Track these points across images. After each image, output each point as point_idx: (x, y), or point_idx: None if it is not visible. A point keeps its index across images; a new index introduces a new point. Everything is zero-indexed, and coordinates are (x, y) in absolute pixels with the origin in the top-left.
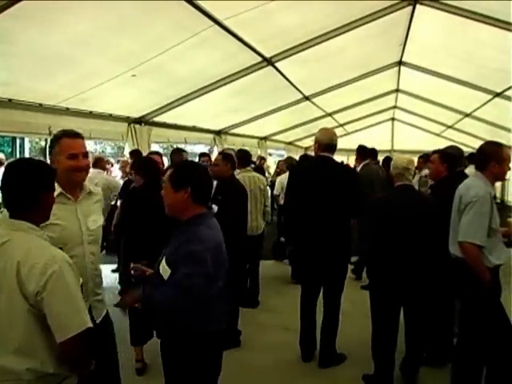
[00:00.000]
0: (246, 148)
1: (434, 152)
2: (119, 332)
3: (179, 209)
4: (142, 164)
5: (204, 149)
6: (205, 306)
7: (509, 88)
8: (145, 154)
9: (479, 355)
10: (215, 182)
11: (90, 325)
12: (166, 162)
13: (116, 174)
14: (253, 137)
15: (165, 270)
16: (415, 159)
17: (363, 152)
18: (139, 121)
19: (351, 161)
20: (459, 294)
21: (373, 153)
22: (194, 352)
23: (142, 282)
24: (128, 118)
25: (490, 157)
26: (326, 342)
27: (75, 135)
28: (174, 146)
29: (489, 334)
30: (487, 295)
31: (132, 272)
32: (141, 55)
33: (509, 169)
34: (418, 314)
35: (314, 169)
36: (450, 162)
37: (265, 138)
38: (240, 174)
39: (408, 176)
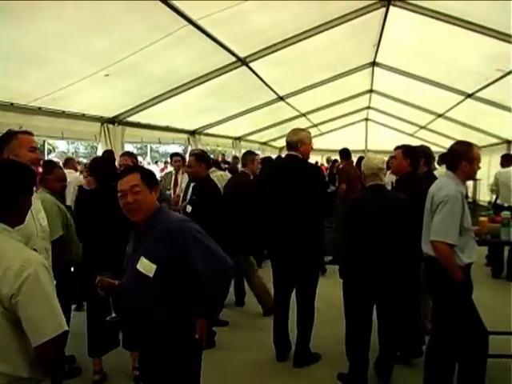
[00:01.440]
0: (220, 148)
1: (397, 148)
2: (80, 339)
3: (150, 209)
4: (95, 165)
5: (178, 149)
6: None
7: (480, 89)
8: (118, 154)
9: (451, 352)
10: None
11: (67, 328)
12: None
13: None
14: (227, 137)
15: (148, 267)
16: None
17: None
18: (112, 121)
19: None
20: (432, 292)
21: (346, 153)
22: (176, 353)
23: (111, 293)
24: (101, 117)
25: (461, 157)
26: (300, 342)
27: (29, 132)
28: (149, 146)
29: (460, 332)
30: (459, 293)
31: (99, 286)
32: (114, 55)
33: (479, 168)
34: (390, 313)
35: (281, 170)
36: (412, 157)
37: (239, 138)
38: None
39: (381, 176)
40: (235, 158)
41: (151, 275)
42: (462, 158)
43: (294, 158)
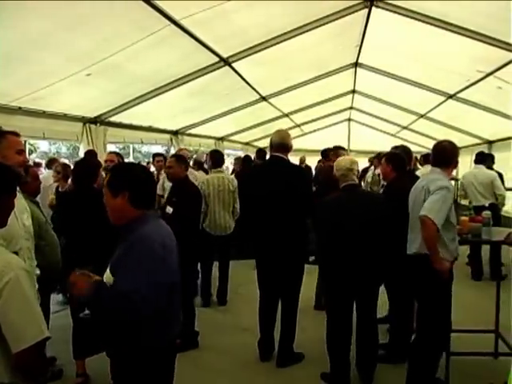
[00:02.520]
0: (202, 148)
1: (384, 155)
2: (63, 341)
3: (120, 215)
4: (74, 167)
5: (161, 149)
6: (153, 318)
7: (462, 90)
8: (100, 154)
9: (436, 349)
10: (170, 184)
11: (48, 334)
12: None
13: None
14: (210, 137)
15: (109, 278)
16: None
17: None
18: (94, 121)
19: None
20: (417, 291)
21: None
22: (143, 368)
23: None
24: (83, 117)
25: (455, 155)
26: (283, 342)
27: (17, 133)
28: (131, 147)
29: (446, 330)
30: (445, 290)
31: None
32: (96, 54)
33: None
34: (369, 312)
35: (266, 170)
36: (394, 162)
37: (222, 139)
38: (210, 175)
39: (352, 176)
40: (237, 158)
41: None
42: (455, 157)
43: (282, 159)
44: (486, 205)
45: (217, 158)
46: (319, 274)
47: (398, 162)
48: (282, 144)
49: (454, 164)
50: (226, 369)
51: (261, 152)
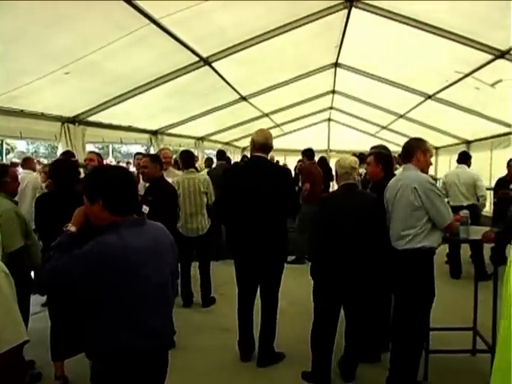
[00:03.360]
0: (182, 148)
1: (369, 154)
2: (42, 343)
3: (99, 222)
4: (54, 167)
5: (141, 149)
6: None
7: (440, 90)
8: (79, 154)
9: (417, 348)
10: (146, 184)
11: (27, 338)
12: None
13: None
14: (190, 137)
15: None
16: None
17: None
18: (73, 120)
19: (289, 161)
20: (397, 286)
21: (310, 153)
22: (121, 370)
23: None
24: (61, 117)
25: (414, 147)
26: (264, 341)
27: None
28: (110, 146)
29: (426, 327)
30: (429, 285)
31: None
32: (75, 52)
33: (431, 163)
34: (359, 312)
35: (248, 170)
36: (384, 162)
37: (202, 139)
38: (181, 176)
39: (354, 175)
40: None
41: None
42: (416, 148)
43: (264, 159)
44: (464, 204)
45: (187, 159)
46: (310, 272)
47: (388, 161)
48: (265, 144)
49: (420, 155)
50: (205, 369)
51: (221, 153)
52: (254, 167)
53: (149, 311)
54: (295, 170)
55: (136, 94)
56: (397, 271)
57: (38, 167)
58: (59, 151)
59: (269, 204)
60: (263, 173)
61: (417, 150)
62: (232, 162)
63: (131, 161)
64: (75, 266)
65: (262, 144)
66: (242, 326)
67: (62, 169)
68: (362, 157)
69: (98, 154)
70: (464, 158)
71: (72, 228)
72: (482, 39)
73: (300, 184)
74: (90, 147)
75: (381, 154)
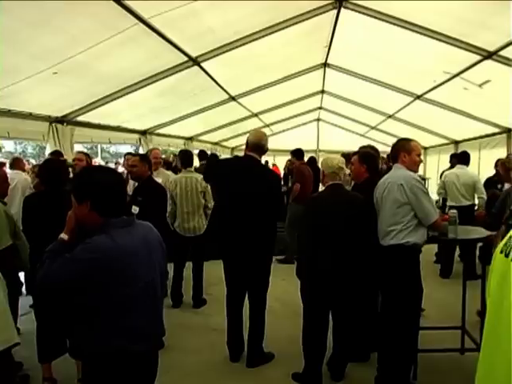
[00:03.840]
0: (172, 148)
1: (354, 153)
2: (30, 345)
3: (87, 223)
4: (42, 167)
5: (130, 149)
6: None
7: (429, 91)
8: (67, 154)
9: (407, 344)
10: (135, 184)
11: (18, 340)
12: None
13: None
14: (179, 137)
15: None
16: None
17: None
18: (61, 120)
19: (278, 161)
20: (383, 283)
21: (300, 153)
22: (110, 373)
23: None
24: (49, 117)
25: (399, 149)
26: (252, 342)
27: None
28: (99, 147)
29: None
30: (416, 280)
31: None
32: (63, 52)
33: (420, 161)
34: (346, 312)
35: (236, 167)
36: (368, 162)
37: (191, 138)
38: (179, 175)
39: (341, 175)
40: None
41: None
42: (400, 149)
43: (255, 159)
44: (463, 205)
45: (186, 158)
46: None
47: (373, 162)
48: (257, 145)
49: (404, 156)
50: (194, 369)
51: (201, 153)
52: (243, 166)
53: (139, 312)
54: (284, 169)
55: (125, 94)
56: (382, 268)
57: (27, 167)
58: (47, 151)
59: (253, 204)
60: (250, 173)
61: (401, 152)
62: None
63: (120, 161)
64: (67, 270)
65: (254, 144)
66: (231, 326)
67: (51, 169)
68: (346, 157)
69: (87, 154)
70: (464, 159)
71: (64, 236)
72: (469, 40)
73: (290, 184)
74: (78, 147)
75: (365, 154)
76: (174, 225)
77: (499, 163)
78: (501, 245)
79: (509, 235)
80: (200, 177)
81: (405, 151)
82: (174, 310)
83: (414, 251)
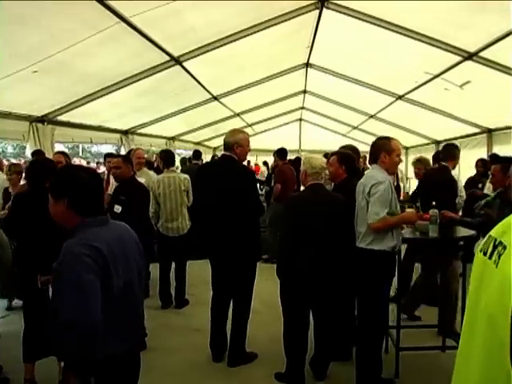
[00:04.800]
0: (153, 148)
1: (333, 154)
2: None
3: (62, 220)
4: (28, 167)
5: (111, 149)
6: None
7: (410, 91)
8: (48, 154)
9: (373, 344)
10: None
11: None
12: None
13: None
14: (161, 137)
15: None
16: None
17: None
18: (42, 119)
19: (260, 161)
20: (359, 286)
21: (282, 153)
22: (93, 375)
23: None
24: (29, 116)
25: (379, 149)
26: (234, 342)
27: None
28: (80, 146)
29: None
30: (387, 283)
31: (40, 285)
32: (43, 51)
33: (400, 160)
34: (326, 311)
35: (211, 169)
36: (347, 162)
37: (173, 138)
38: (161, 175)
39: (323, 175)
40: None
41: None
42: (381, 149)
43: (229, 158)
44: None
45: (167, 158)
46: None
47: (351, 162)
48: (227, 143)
49: (384, 156)
50: (176, 370)
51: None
52: (218, 166)
53: (120, 313)
54: (269, 169)
55: (106, 94)
56: (355, 269)
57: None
58: (28, 151)
59: (235, 203)
60: (224, 172)
61: (381, 151)
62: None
63: (101, 161)
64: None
65: (226, 142)
66: (215, 326)
67: (35, 169)
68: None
69: (66, 154)
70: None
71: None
72: (450, 41)
73: (272, 184)
74: (59, 147)
75: (344, 155)
76: (157, 225)
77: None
78: (482, 243)
79: (489, 234)
80: (183, 176)
81: (385, 151)
82: (156, 311)
83: (382, 257)
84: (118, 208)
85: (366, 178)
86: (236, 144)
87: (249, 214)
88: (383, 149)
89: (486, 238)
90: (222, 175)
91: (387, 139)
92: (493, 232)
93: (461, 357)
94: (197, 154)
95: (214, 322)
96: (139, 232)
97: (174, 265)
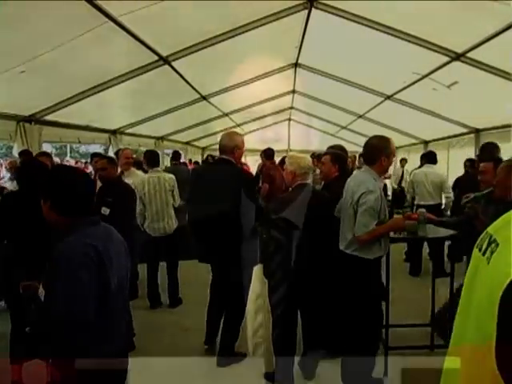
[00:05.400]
0: (141, 148)
1: (324, 154)
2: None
3: (50, 221)
4: (19, 168)
5: (99, 149)
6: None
7: (399, 91)
8: (35, 154)
9: (369, 344)
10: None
11: None
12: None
13: (3, 175)
14: (149, 137)
15: (42, 291)
16: None
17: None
18: (29, 119)
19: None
20: (345, 289)
21: (270, 153)
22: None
23: (34, 301)
24: (16, 116)
25: (380, 151)
26: (224, 340)
27: None
28: (68, 146)
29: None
30: (374, 286)
31: (22, 291)
32: (30, 50)
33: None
34: (314, 311)
35: (207, 171)
36: (340, 162)
37: (161, 138)
38: (146, 175)
39: (310, 174)
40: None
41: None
42: (382, 152)
43: (228, 162)
44: (431, 203)
45: (152, 158)
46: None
47: (344, 162)
48: (223, 146)
49: (384, 160)
50: (165, 369)
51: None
52: (217, 172)
53: (117, 312)
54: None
55: (94, 93)
56: (339, 271)
57: None
58: (15, 151)
59: (231, 209)
60: (224, 177)
61: (381, 155)
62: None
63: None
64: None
65: (221, 146)
66: (210, 327)
67: (25, 169)
68: (318, 157)
69: (49, 155)
70: (432, 158)
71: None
72: (438, 41)
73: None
74: (46, 147)
75: (337, 155)
76: (143, 225)
77: (467, 163)
78: (478, 239)
79: (486, 230)
80: (168, 176)
81: (385, 155)
82: (145, 311)
83: (365, 264)
84: (105, 210)
85: (355, 182)
86: (236, 147)
87: (250, 219)
88: (384, 153)
89: (483, 234)
90: (222, 181)
91: (387, 141)
92: (490, 228)
93: (451, 355)
94: (176, 155)
95: (209, 322)
96: (125, 233)
97: (165, 265)
